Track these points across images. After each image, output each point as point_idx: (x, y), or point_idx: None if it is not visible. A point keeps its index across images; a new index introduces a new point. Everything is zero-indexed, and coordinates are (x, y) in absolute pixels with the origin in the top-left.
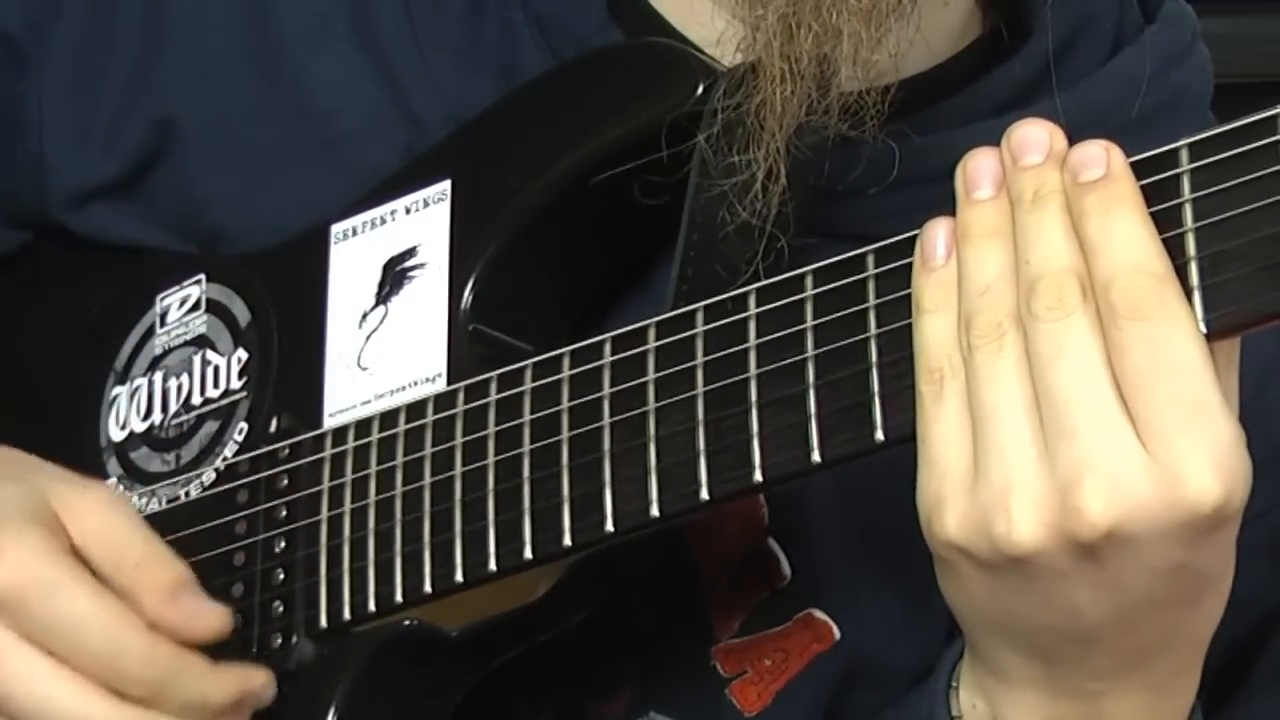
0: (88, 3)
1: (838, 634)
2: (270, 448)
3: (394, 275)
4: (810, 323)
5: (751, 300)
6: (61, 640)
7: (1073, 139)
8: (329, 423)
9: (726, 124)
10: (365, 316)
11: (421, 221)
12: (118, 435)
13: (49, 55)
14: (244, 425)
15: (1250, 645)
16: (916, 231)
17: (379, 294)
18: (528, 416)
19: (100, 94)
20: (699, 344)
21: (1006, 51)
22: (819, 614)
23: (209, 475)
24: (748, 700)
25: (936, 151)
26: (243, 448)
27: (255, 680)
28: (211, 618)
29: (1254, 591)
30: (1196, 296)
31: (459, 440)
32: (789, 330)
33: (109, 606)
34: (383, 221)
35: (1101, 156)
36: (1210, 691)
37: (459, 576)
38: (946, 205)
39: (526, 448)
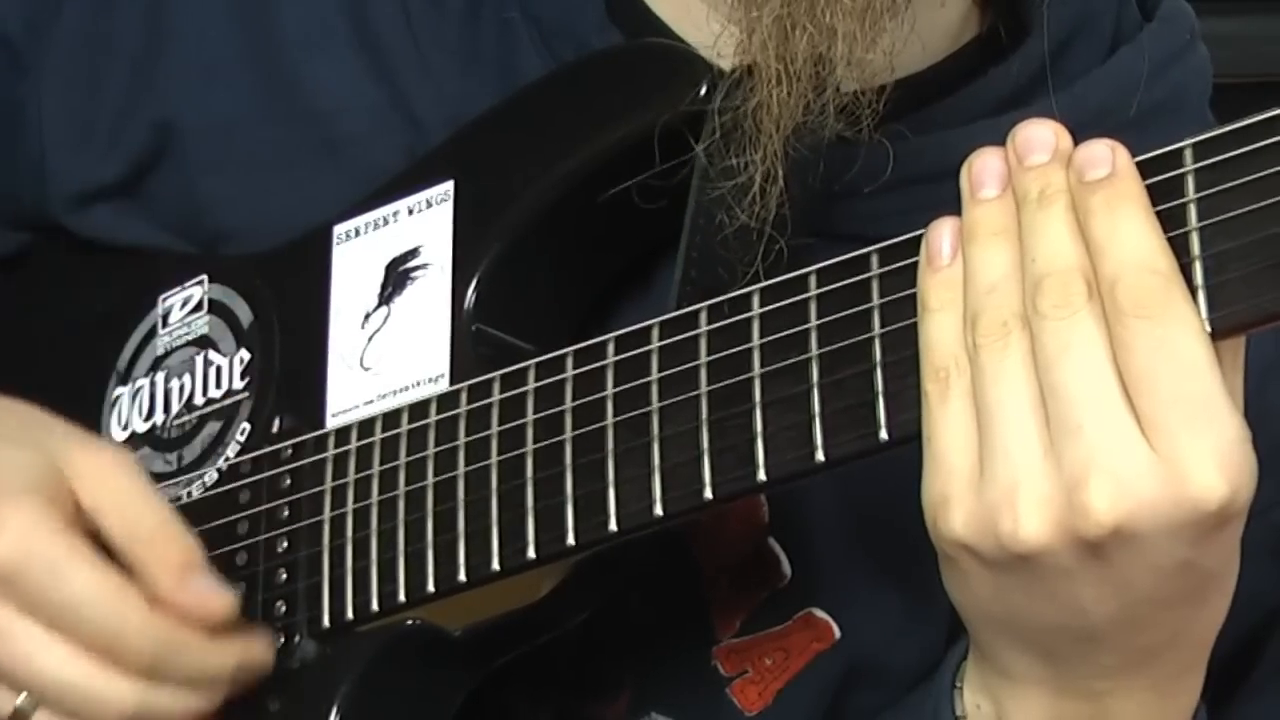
0: (86, 3)
1: (838, 633)
2: (273, 448)
3: (397, 276)
4: (814, 322)
5: (755, 300)
6: (61, 615)
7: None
8: (331, 423)
9: (724, 127)
10: (368, 317)
11: (424, 222)
12: (119, 436)
13: (48, 56)
14: (246, 425)
15: (1251, 644)
16: (920, 232)
17: (382, 294)
18: (531, 416)
19: (101, 95)
20: (702, 343)
21: (1004, 51)
22: (819, 613)
23: (211, 475)
24: (748, 700)
25: (934, 152)
26: (245, 448)
27: (255, 649)
28: (219, 601)
29: (1255, 589)
30: (1200, 296)
31: (462, 440)
32: (793, 330)
33: (108, 582)
34: (385, 222)
35: (1107, 155)
36: (1212, 690)
37: (462, 576)
38: (944, 205)
39: (530, 447)
